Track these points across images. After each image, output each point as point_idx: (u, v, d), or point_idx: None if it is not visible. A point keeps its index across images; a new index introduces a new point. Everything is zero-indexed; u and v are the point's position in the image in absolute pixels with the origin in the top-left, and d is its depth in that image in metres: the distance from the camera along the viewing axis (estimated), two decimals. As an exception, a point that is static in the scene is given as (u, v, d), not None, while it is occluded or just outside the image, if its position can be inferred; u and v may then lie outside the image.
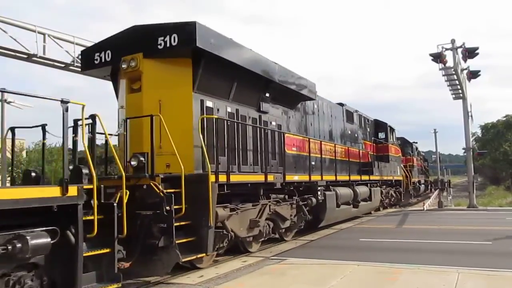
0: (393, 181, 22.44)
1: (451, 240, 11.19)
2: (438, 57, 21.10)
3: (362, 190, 16.30)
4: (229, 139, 8.66)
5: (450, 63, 21.56)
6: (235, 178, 8.34)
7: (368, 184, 17.70)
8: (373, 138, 20.60)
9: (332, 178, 13.76)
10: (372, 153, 19.96)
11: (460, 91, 22.80)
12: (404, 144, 30.80)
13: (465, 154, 24.62)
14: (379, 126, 22.16)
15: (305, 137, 12.74)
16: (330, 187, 13.53)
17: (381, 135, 21.93)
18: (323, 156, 13.46)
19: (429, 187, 42.79)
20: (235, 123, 9.16)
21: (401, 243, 11.17)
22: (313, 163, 12.66)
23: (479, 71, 23.03)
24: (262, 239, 9.92)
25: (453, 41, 21.73)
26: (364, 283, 6.85)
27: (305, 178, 11.91)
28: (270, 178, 9.64)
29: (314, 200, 12.06)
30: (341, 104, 16.98)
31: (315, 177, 12.43)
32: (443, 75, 21.98)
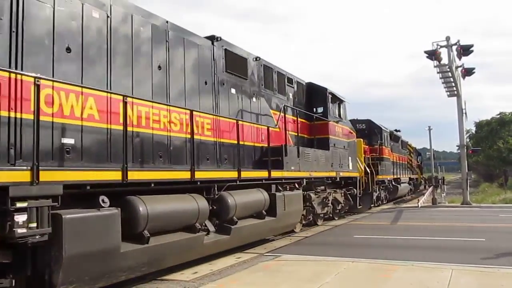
0: (337, 179, 14.57)
1: (445, 237, 11.26)
2: (433, 55, 21.18)
3: (243, 198, 9.01)
4: None
5: (445, 60, 21.66)
6: None
7: (273, 187, 10.47)
8: (284, 106, 11.70)
9: (110, 176, 6.00)
10: (294, 133, 12.19)
11: (454, 88, 22.88)
12: (371, 130, 22.77)
13: (459, 151, 24.63)
14: (314, 93, 14.31)
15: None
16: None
17: (320, 109, 14.25)
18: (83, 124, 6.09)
19: (421, 186, 40.74)
20: None
21: (395, 240, 11.20)
22: (69, 141, 5.88)
23: (474, 68, 23.24)
24: None
25: (448, 39, 21.87)
26: (359, 280, 6.85)
27: None
28: None
29: None
30: (212, 39, 9.47)
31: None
32: (438, 73, 22.05)
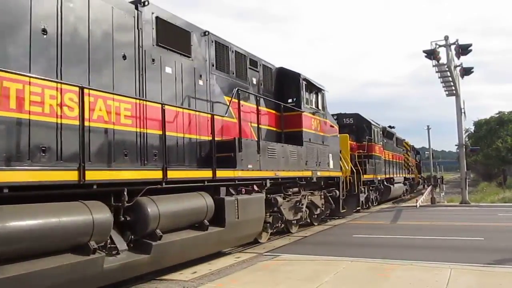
0: (314, 179, 12.35)
1: (443, 236, 11.27)
2: (431, 54, 21.18)
3: (173, 205, 7.09)
4: None
5: (443, 59, 21.69)
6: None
7: (223, 190, 8.46)
8: (237, 90, 9.38)
9: None
10: (260, 125, 10.11)
11: (453, 88, 22.90)
12: (359, 125, 20.68)
13: (458, 150, 24.65)
14: (286, 79, 12.21)
15: None
16: None
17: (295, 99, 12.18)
18: None
19: (419, 185, 39.66)
20: None
21: (394, 239, 11.20)
22: None
23: (472, 67, 23.29)
24: None
25: (446, 38, 21.89)
26: (357, 279, 6.85)
27: None
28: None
29: None
30: (137, 3, 7.45)
31: None
32: (437, 72, 22.07)
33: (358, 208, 18.31)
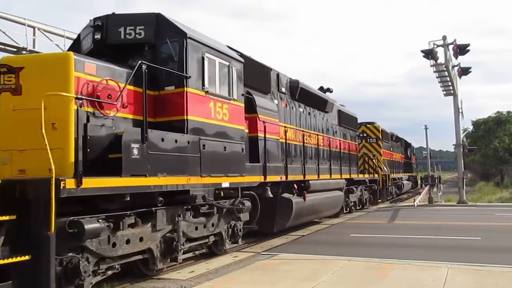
0: None
1: (441, 236, 11.30)
2: (429, 54, 21.18)
3: None
4: None
5: (441, 59, 21.70)
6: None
7: None
8: None
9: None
10: None
11: (451, 87, 22.95)
12: (157, 44, 7.30)
13: (455, 150, 24.67)
14: None
15: None
16: None
17: None
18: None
19: (402, 190, 31.48)
20: None
21: (392, 239, 11.22)
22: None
23: (470, 67, 23.35)
24: None
25: (444, 38, 21.91)
26: (355, 279, 6.87)
27: None
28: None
29: None
30: None
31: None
32: (435, 72, 22.08)
33: None
